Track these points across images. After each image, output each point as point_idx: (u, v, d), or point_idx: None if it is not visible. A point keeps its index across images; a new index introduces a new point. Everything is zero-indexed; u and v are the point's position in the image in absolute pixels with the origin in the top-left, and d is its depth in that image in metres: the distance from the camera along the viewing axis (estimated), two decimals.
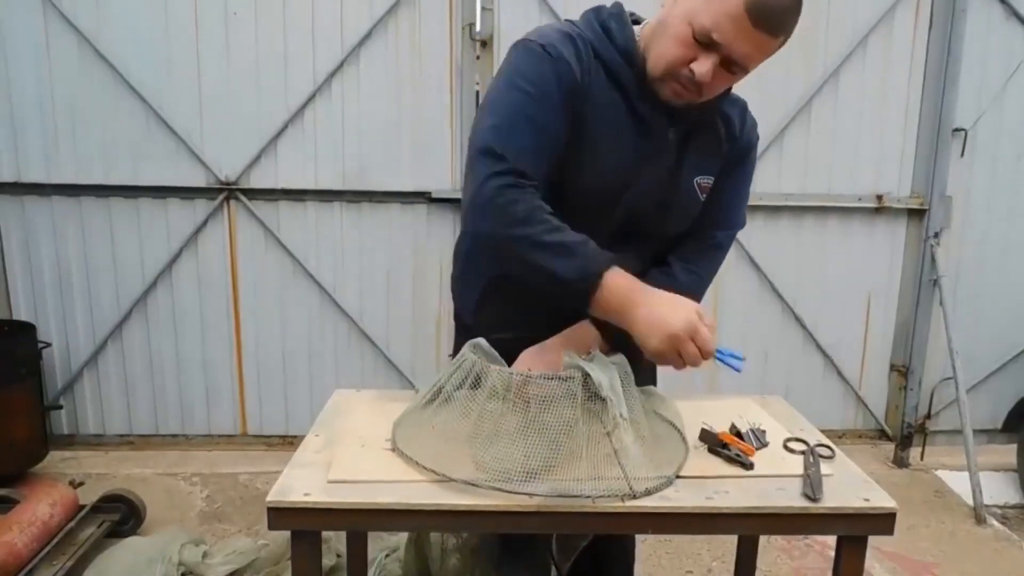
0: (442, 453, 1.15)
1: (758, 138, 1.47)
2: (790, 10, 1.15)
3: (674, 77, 1.20)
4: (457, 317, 1.57)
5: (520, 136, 1.18)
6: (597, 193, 1.29)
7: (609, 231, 1.30)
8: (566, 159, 1.25)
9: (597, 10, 1.31)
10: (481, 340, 1.25)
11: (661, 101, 1.25)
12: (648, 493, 1.10)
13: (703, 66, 1.16)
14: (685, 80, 1.19)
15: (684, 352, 1.13)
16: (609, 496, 1.07)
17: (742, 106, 1.42)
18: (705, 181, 1.38)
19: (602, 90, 1.25)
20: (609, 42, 1.26)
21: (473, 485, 1.08)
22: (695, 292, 1.38)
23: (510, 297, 1.36)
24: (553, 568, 1.71)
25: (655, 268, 1.40)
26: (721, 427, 1.34)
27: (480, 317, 1.45)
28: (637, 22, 1.33)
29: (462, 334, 1.51)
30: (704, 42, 1.15)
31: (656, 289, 1.19)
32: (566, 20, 1.34)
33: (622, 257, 1.25)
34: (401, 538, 2.25)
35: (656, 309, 1.14)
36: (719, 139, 1.37)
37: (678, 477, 1.16)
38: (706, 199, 1.41)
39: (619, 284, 1.15)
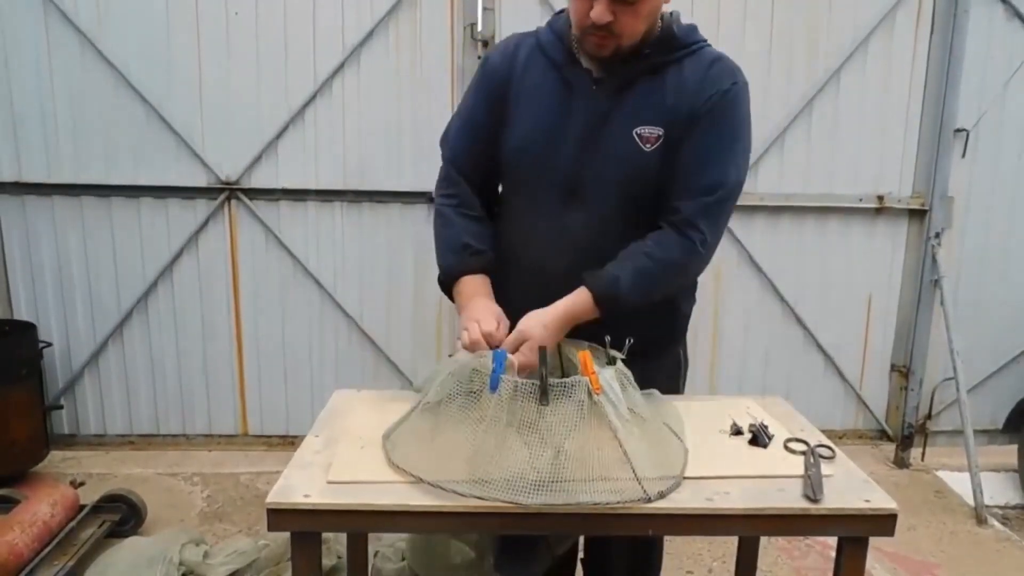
0: (445, 467, 1.12)
1: (734, 86, 1.38)
2: None
3: (585, 31, 1.35)
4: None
5: (456, 134, 1.60)
6: (529, 152, 1.46)
7: (561, 190, 1.45)
8: (501, 133, 1.49)
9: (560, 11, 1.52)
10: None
11: (588, 64, 1.41)
12: (662, 496, 1.09)
13: (596, 10, 1.29)
14: (594, 31, 1.32)
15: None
16: (626, 502, 1.06)
17: (710, 58, 1.41)
18: (648, 131, 1.39)
19: (537, 70, 1.46)
20: (548, 28, 1.49)
21: (480, 499, 1.06)
22: (644, 279, 1.35)
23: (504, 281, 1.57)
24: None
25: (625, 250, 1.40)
26: (723, 427, 1.35)
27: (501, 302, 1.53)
28: None
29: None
30: None
31: (484, 303, 1.46)
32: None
33: (580, 219, 1.42)
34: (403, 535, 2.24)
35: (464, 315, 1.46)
36: (663, 89, 1.39)
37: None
38: (676, 162, 1.38)
39: (463, 291, 1.53)
